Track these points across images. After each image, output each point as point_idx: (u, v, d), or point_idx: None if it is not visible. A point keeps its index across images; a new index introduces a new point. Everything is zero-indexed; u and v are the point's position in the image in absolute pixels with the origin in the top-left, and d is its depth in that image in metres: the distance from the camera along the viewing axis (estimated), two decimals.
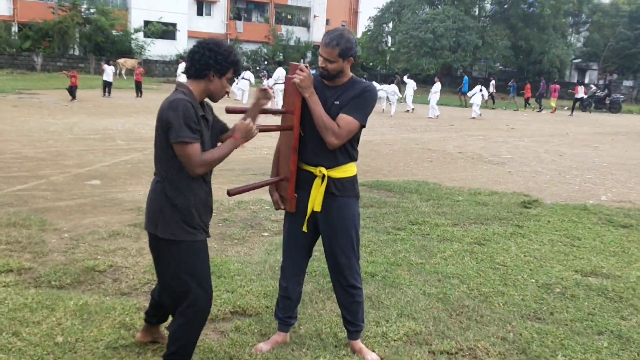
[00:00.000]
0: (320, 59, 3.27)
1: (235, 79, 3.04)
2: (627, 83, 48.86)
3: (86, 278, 4.48)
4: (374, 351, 3.56)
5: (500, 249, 5.80)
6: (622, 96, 37.78)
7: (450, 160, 11.99)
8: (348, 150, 3.35)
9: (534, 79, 49.28)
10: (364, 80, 3.43)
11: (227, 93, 3.05)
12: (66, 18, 39.56)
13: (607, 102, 35.38)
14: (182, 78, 23.95)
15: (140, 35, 43.67)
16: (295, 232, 3.48)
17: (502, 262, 5.38)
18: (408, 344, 3.69)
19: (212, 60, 2.85)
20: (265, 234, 5.96)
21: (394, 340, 3.72)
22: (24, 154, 9.75)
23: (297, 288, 3.58)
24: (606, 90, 36.90)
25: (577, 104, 33.03)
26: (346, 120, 3.20)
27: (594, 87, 38.78)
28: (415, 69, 43.05)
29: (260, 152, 11.17)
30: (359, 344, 3.55)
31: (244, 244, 5.60)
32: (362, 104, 3.24)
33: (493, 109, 31.85)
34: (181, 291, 2.94)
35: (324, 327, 3.86)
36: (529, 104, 34.05)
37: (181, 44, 46.25)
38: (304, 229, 3.41)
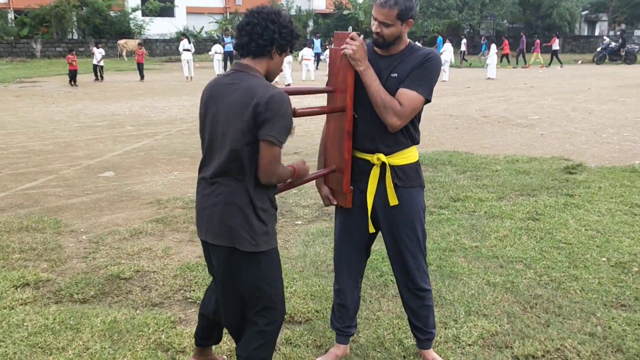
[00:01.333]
0: (373, 23, 2.75)
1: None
2: (638, 32, 47.67)
3: (111, 288, 4.04)
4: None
5: (557, 223, 5.31)
6: (636, 46, 36.74)
7: (475, 126, 11.44)
8: (410, 132, 2.85)
9: (543, 34, 48.25)
10: (423, 46, 2.90)
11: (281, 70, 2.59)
12: (62, 2, 38.79)
13: (622, 53, 34.41)
14: (186, 55, 23.51)
15: (138, 14, 42.88)
16: (351, 230, 3.00)
17: (564, 239, 4.90)
18: (486, 349, 3.22)
19: (277, 35, 2.40)
20: (299, 222, 5.50)
21: (469, 345, 3.25)
22: (30, 147, 9.29)
23: (354, 293, 3.11)
24: (620, 41, 35.86)
25: (554, 57, 32.74)
26: (408, 95, 2.70)
27: (607, 39, 37.71)
28: (420, 31, 42.04)
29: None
30: (431, 353, 3.10)
31: (278, 235, 5.08)
32: (425, 75, 2.72)
33: (458, 67, 30.79)
34: (262, 308, 2.52)
35: (386, 333, 3.40)
36: (508, 60, 33.04)
37: (180, 21, 45.48)
38: (371, 229, 2.94)
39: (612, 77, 24.24)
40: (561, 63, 32.21)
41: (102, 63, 23.30)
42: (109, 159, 8.44)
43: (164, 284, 4.10)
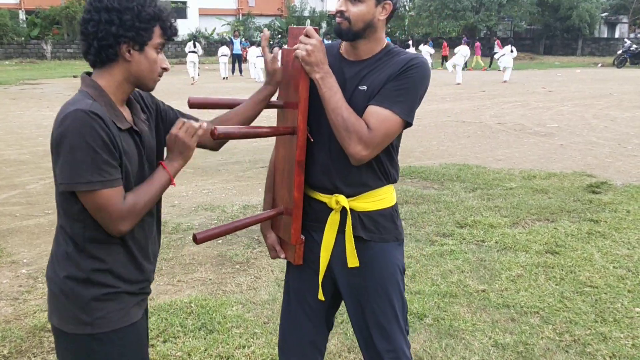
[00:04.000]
0: (338, 1, 1.98)
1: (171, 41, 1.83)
2: None
3: (31, 344, 3.28)
4: None
5: (580, 258, 4.48)
6: None
7: (489, 134, 10.58)
8: (383, 166, 2.07)
9: (562, 35, 47.13)
10: (405, 50, 2.10)
11: (166, 69, 1.76)
12: (73, 3, 38.35)
13: None
14: (191, 57, 22.80)
15: None
16: (303, 294, 2.23)
17: (588, 280, 4.07)
18: None
19: (116, 27, 1.61)
20: None
21: None
22: (4, 157, 8.58)
23: None
24: None
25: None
26: (380, 115, 1.92)
27: (628, 42, 36.49)
28: (436, 32, 41.17)
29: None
30: None
31: (248, 270, 4.37)
32: (405, 89, 1.95)
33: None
34: None
35: None
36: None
37: (192, 23, 44.96)
38: (320, 296, 2.15)
39: (634, 81, 23.14)
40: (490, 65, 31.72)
41: None
42: None
43: None
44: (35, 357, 3.17)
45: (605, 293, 3.88)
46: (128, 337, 1.76)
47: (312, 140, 2.05)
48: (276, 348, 3.18)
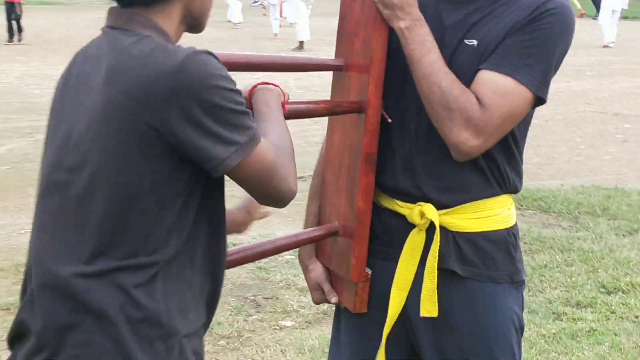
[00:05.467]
0: None
1: None
2: None
3: None
4: None
5: None
6: None
7: None
8: (498, 165, 2.51)
9: None
10: None
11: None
12: None
13: None
14: None
15: None
16: (365, 347, 2.66)
17: None
18: None
19: None
20: (288, 324, 5.30)
21: None
22: None
23: None
24: None
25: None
26: (499, 86, 2.36)
27: None
28: None
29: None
30: None
31: (241, 349, 4.92)
32: (536, 46, 2.39)
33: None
34: None
35: None
36: None
37: None
38: (382, 356, 2.60)
39: None
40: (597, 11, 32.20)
41: None
42: None
43: None
44: None
45: None
46: None
47: (389, 121, 2.50)
48: None
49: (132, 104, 1.93)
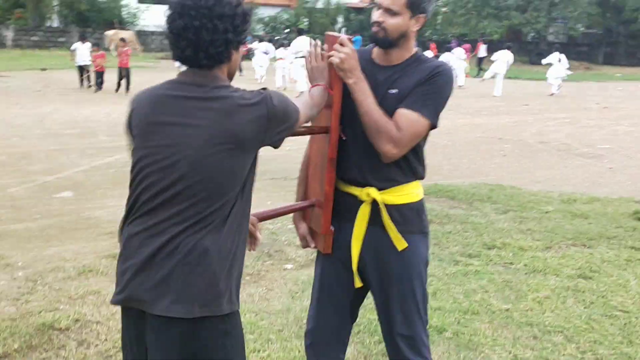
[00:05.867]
0: (375, 12, 2.69)
1: None
2: None
3: (41, 341, 3.95)
4: None
5: (615, 284, 5.14)
6: None
7: (529, 154, 11.35)
8: (411, 163, 2.75)
9: (627, 42, 47.93)
10: (432, 57, 2.81)
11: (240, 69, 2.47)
12: None
13: None
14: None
15: (133, 1, 43.52)
16: (331, 284, 2.90)
17: (620, 305, 4.73)
18: None
19: (231, 34, 2.18)
20: (288, 267, 5.41)
21: None
22: None
23: None
24: None
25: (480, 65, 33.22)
26: (409, 117, 2.60)
27: None
28: (474, 33, 41.98)
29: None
30: None
31: (260, 281, 5.05)
32: (432, 93, 2.63)
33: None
34: None
35: None
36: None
37: None
38: (357, 283, 2.83)
39: None
40: (480, 71, 32.13)
41: (88, 61, 20.75)
42: (70, 176, 8.47)
43: (106, 339, 4.02)
44: (46, 351, 3.85)
45: (636, 317, 4.53)
46: None
47: (344, 138, 2.73)
48: (291, 353, 3.88)
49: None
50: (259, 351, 3.89)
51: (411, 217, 2.78)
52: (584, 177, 9.48)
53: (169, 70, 27.73)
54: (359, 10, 51.19)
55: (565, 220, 6.91)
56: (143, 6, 43.47)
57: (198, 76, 2.20)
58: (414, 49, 2.75)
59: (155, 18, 43.97)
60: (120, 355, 3.83)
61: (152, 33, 42.96)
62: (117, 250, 5.61)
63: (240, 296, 2.36)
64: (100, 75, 19.90)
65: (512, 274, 5.29)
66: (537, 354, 3.95)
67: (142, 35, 41.04)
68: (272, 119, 2.19)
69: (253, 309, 4.48)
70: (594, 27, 49.67)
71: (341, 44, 2.63)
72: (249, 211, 2.34)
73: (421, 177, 2.83)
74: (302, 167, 3.01)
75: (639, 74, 38.23)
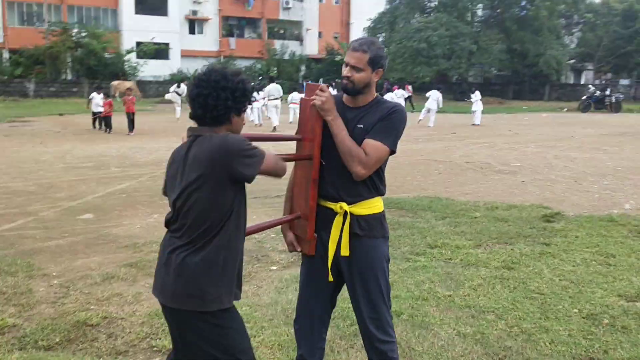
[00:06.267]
0: (345, 68, 2.80)
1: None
2: (624, 82, 48.47)
3: (77, 335, 3.96)
4: None
5: (532, 272, 5.28)
6: (621, 95, 37.32)
7: (458, 172, 11.50)
8: (375, 183, 2.87)
9: (530, 82, 49.10)
10: (389, 100, 2.95)
11: (244, 123, 2.59)
12: (57, 43, 39.24)
13: (608, 102, 34.84)
14: (171, 96, 23.76)
15: (133, 56, 43.29)
16: (314, 279, 2.99)
17: (537, 289, 4.87)
18: None
19: (230, 101, 2.38)
20: (274, 268, 5.45)
21: None
22: (13, 188, 9.23)
23: (318, 345, 3.06)
24: (608, 91, 36.27)
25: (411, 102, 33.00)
26: (374, 145, 2.73)
27: (592, 87, 38.26)
28: (410, 77, 42.59)
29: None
30: None
31: (251, 281, 5.09)
32: (391, 127, 2.78)
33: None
34: None
35: None
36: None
37: (175, 63, 46.01)
38: (330, 277, 2.92)
39: (596, 125, 24.56)
40: (413, 107, 32.14)
41: (100, 108, 20.27)
42: (89, 201, 8.39)
43: (130, 331, 4.02)
44: (82, 343, 3.85)
45: (550, 298, 4.67)
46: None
47: (324, 163, 2.83)
48: (282, 337, 3.93)
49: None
50: (254, 337, 3.93)
51: (375, 225, 2.89)
52: (502, 189, 9.67)
53: (165, 112, 27.66)
54: (317, 60, 51.62)
55: (490, 224, 7.06)
56: (142, 60, 43.26)
57: (204, 131, 2.42)
58: (374, 94, 2.87)
59: (152, 70, 43.97)
60: (142, 343, 3.88)
61: (150, 82, 42.78)
62: (134, 260, 5.65)
63: None
64: (109, 119, 19.62)
65: (452, 267, 5.40)
66: (475, 330, 4.06)
67: (141, 84, 40.91)
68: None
69: (247, 303, 4.52)
70: (505, 70, 50.84)
71: (322, 90, 2.75)
72: (243, 226, 2.50)
73: (382, 194, 2.94)
74: (288, 187, 3.09)
75: (541, 106, 39.16)
